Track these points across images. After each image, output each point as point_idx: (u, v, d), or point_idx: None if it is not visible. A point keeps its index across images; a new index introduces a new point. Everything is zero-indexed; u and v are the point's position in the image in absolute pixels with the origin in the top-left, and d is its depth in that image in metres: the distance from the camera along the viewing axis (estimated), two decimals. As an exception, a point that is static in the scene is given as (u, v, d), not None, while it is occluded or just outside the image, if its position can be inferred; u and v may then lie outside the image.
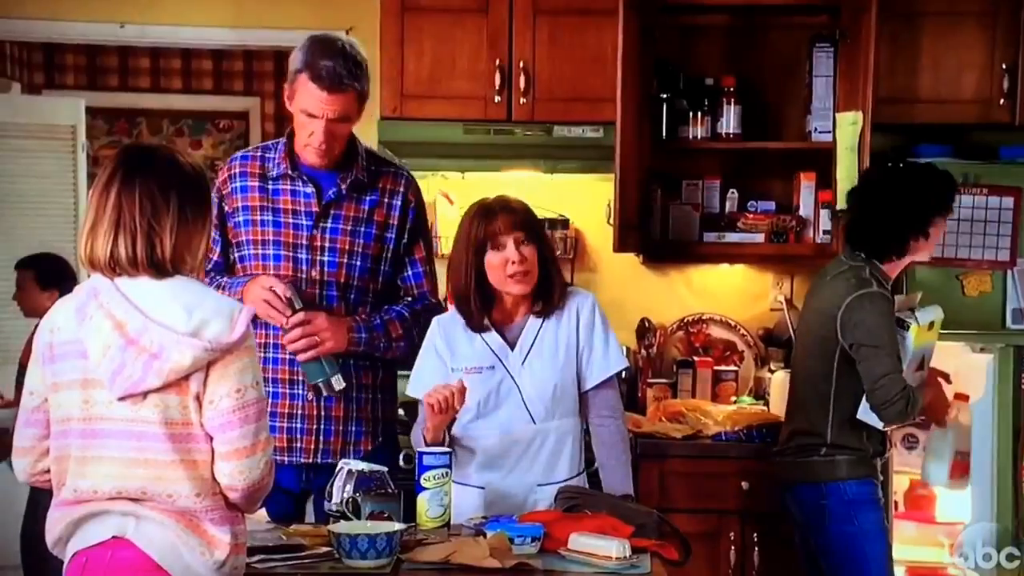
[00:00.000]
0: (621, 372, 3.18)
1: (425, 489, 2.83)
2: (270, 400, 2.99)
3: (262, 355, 3.05)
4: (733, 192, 4.43)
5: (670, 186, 4.42)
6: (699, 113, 4.30)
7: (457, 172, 4.50)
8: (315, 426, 3.12)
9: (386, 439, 3.25)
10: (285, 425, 3.11)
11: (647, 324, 4.49)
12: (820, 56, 4.27)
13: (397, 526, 2.61)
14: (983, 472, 3.82)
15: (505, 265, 2.95)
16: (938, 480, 3.73)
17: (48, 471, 2.31)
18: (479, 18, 4.22)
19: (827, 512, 3.42)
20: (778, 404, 4.10)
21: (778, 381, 4.17)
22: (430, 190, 4.56)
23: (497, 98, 4.20)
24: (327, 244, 3.12)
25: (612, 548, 2.55)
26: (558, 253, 4.40)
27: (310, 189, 3.13)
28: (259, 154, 3.21)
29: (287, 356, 3.05)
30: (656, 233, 4.35)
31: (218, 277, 3.19)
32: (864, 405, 3.35)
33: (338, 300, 3.12)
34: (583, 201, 4.55)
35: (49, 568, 2.48)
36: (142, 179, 2.24)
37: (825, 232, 4.29)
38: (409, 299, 3.23)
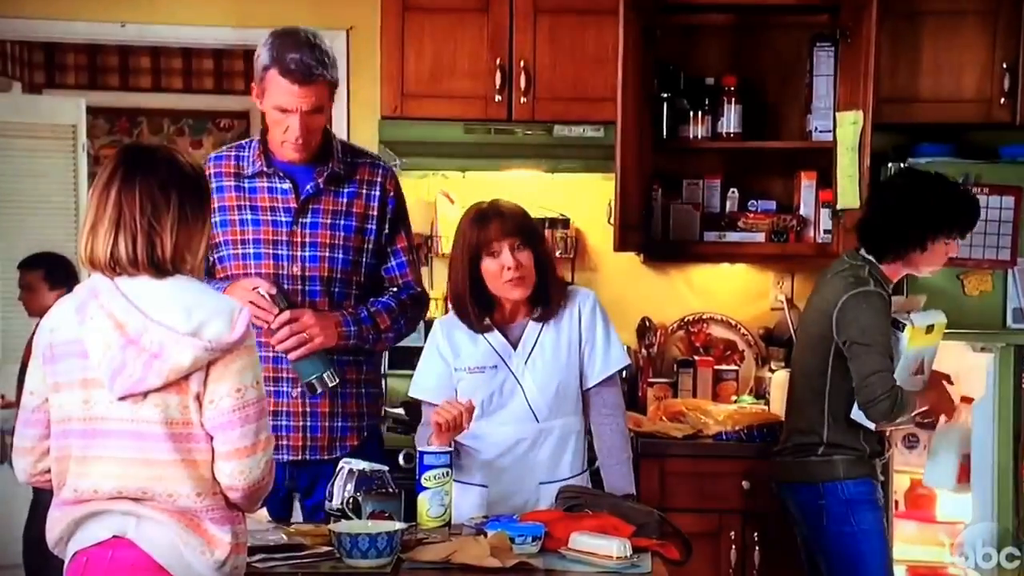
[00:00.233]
0: (622, 371, 3.18)
1: (426, 488, 2.83)
2: None
3: None
4: (734, 191, 4.43)
5: (671, 185, 4.42)
6: (700, 112, 4.30)
7: (458, 171, 4.49)
8: (301, 423, 3.12)
9: (371, 434, 3.26)
10: (271, 423, 3.10)
11: (648, 323, 4.49)
12: (821, 55, 4.27)
13: (398, 525, 2.62)
14: (984, 472, 3.82)
15: (501, 271, 2.96)
16: (944, 484, 3.72)
17: (49, 471, 2.30)
18: (480, 17, 4.22)
19: (824, 512, 3.43)
20: (779, 404, 4.11)
21: (779, 381, 4.17)
22: (431, 189, 4.57)
23: (498, 97, 4.20)
24: (307, 239, 3.11)
25: (613, 548, 2.55)
26: (558, 253, 4.43)
27: (287, 185, 3.12)
28: (233, 153, 3.20)
29: (271, 353, 3.02)
30: (657, 233, 4.36)
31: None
32: (856, 405, 3.36)
33: (321, 295, 3.11)
34: (584, 201, 4.55)
35: (51, 568, 2.48)
36: (142, 178, 2.24)
37: (826, 231, 4.29)
38: (394, 289, 3.22)
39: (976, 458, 3.82)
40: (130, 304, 2.20)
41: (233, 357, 2.22)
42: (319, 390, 3.03)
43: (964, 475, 3.65)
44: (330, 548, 2.57)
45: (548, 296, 3.03)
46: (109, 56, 7.22)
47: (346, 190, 3.16)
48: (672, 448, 3.94)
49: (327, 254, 3.12)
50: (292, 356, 2.99)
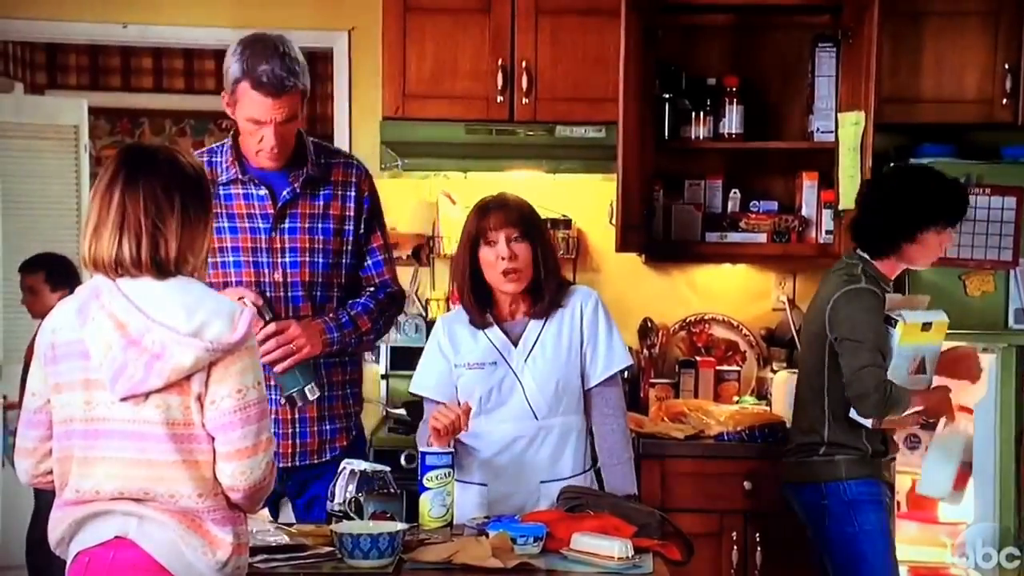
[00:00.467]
0: (624, 371, 3.18)
1: (428, 489, 2.83)
2: None
3: None
4: (735, 192, 4.43)
5: (672, 186, 4.42)
6: (701, 113, 4.30)
7: (459, 172, 4.49)
8: (290, 429, 3.10)
9: (358, 433, 3.26)
10: None
11: (649, 324, 4.49)
12: (822, 56, 4.27)
13: (399, 526, 2.62)
14: (985, 472, 3.82)
15: (497, 261, 2.96)
16: (939, 492, 3.67)
17: (51, 472, 2.30)
18: (481, 18, 4.22)
19: (827, 512, 3.43)
20: (780, 404, 4.11)
21: (780, 381, 4.17)
22: (432, 190, 4.58)
23: (499, 98, 4.20)
24: (287, 245, 3.09)
25: (614, 548, 2.55)
26: (560, 254, 4.42)
27: (263, 192, 3.09)
28: (205, 159, 3.15)
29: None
30: (658, 233, 4.36)
31: None
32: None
33: (304, 300, 3.09)
34: (585, 201, 4.55)
35: (54, 569, 2.48)
36: (146, 179, 2.24)
37: (827, 232, 4.29)
38: (371, 289, 3.20)
39: (978, 458, 3.82)
40: (131, 305, 2.20)
41: (234, 358, 2.22)
42: (299, 403, 3.00)
43: (961, 483, 3.62)
44: (332, 549, 2.57)
45: (541, 294, 3.03)
46: (111, 57, 7.22)
47: (322, 192, 3.13)
48: (674, 449, 3.95)
49: (308, 259, 3.10)
50: (278, 368, 2.95)
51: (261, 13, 4.51)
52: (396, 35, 4.21)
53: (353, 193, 3.16)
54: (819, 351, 3.46)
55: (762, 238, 4.35)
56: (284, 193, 3.09)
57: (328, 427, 3.15)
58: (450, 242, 4.44)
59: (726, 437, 3.97)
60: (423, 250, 4.57)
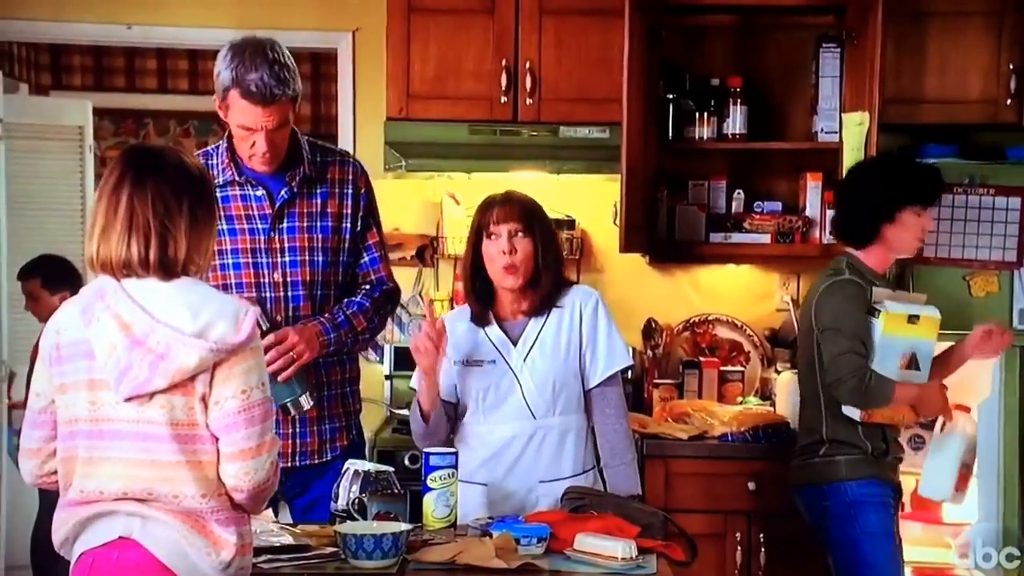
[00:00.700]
0: (627, 371, 3.18)
1: (431, 489, 2.83)
2: None
3: None
4: (739, 192, 4.43)
5: (676, 187, 4.42)
6: (705, 113, 4.30)
7: (463, 173, 4.50)
8: (290, 430, 3.09)
9: (359, 432, 3.26)
10: None
11: (653, 325, 4.49)
12: (826, 56, 4.27)
13: (403, 526, 2.62)
14: (989, 473, 3.82)
15: (497, 255, 2.97)
16: (941, 494, 3.63)
17: (55, 473, 2.31)
18: (485, 19, 4.22)
19: (829, 513, 3.44)
20: (784, 405, 4.10)
21: (784, 381, 4.17)
22: (436, 191, 4.58)
23: (503, 99, 4.20)
24: (286, 245, 3.09)
25: (618, 549, 2.55)
26: (564, 254, 4.41)
27: (260, 193, 3.09)
28: (201, 161, 3.15)
29: None
30: (662, 234, 4.36)
31: None
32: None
33: (304, 299, 3.09)
34: (589, 202, 4.55)
35: (59, 569, 2.48)
36: (154, 181, 2.24)
37: (831, 233, 4.28)
38: (367, 286, 3.20)
39: (981, 459, 3.82)
40: (136, 305, 2.21)
41: (239, 359, 2.22)
42: (293, 413, 3.00)
43: (962, 484, 3.59)
44: (335, 549, 2.57)
45: (538, 290, 3.03)
46: (115, 58, 7.23)
47: (319, 191, 3.13)
48: (677, 449, 3.94)
49: (307, 258, 3.10)
50: (281, 378, 2.94)
51: (265, 14, 4.52)
52: (400, 36, 4.21)
53: (350, 191, 3.17)
54: (810, 348, 3.49)
55: (766, 239, 4.35)
56: (282, 193, 3.09)
57: (328, 427, 3.15)
58: (454, 243, 4.44)
59: (730, 438, 3.96)
60: (427, 251, 4.57)
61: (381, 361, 4.53)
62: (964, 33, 4.18)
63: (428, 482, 2.83)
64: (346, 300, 3.15)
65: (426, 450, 2.89)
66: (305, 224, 3.11)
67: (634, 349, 4.42)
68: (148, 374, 2.17)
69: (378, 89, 4.34)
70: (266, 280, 3.08)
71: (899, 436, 3.58)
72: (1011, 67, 4.13)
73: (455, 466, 2.86)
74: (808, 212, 4.37)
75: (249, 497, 2.25)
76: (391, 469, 2.87)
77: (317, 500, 3.07)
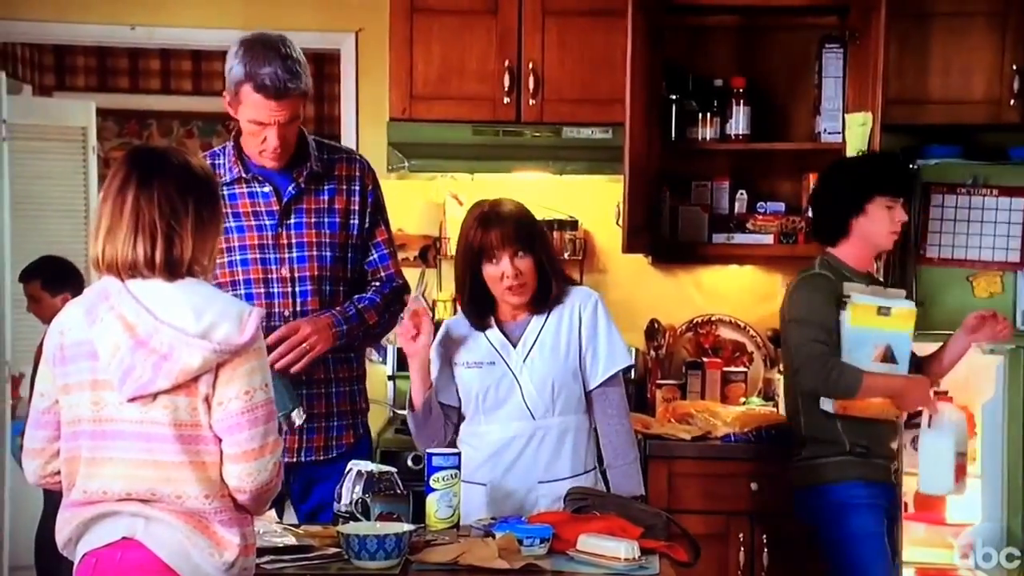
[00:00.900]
0: (628, 371, 3.18)
1: (434, 490, 2.83)
2: None
3: None
4: (742, 193, 4.43)
5: (679, 187, 4.42)
6: (708, 114, 4.30)
7: (466, 173, 4.50)
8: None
9: (365, 432, 3.27)
10: None
11: (656, 325, 4.49)
12: (829, 57, 4.27)
13: (406, 527, 2.62)
14: (993, 473, 3.81)
15: (501, 278, 2.97)
16: (942, 488, 3.58)
17: (58, 473, 2.31)
18: (488, 19, 4.22)
19: (818, 516, 3.46)
20: (787, 405, 4.10)
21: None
22: (439, 191, 4.58)
23: (506, 99, 4.21)
24: (294, 240, 3.11)
25: (621, 549, 2.55)
26: (567, 255, 4.44)
27: (267, 189, 3.11)
28: (208, 162, 3.11)
29: None
30: (665, 234, 4.36)
31: None
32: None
33: (312, 294, 3.11)
34: (592, 202, 4.55)
35: (62, 570, 2.49)
36: (160, 181, 2.25)
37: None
38: (377, 283, 3.22)
39: (986, 460, 3.81)
40: (140, 306, 2.21)
41: (242, 359, 2.22)
42: (285, 428, 2.97)
43: (961, 474, 3.51)
44: (338, 550, 2.58)
45: (547, 295, 3.04)
46: (119, 58, 7.23)
47: (326, 187, 3.15)
48: (680, 450, 3.94)
49: (315, 253, 3.12)
50: (294, 369, 2.97)
51: (268, 14, 4.52)
52: (403, 36, 4.22)
53: (357, 187, 3.18)
54: (786, 345, 3.54)
55: (769, 239, 4.35)
56: (289, 189, 3.11)
57: (335, 423, 3.16)
58: (457, 243, 4.43)
59: (733, 438, 3.96)
60: (430, 251, 4.57)
61: (384, 361, 4.53)
62: (967, 33, 4.17)
63: (431, 483, 2.83)
64: (357, 296, 3.16)
65: (429, 451, 2.89)
66: (312, 220, 3.12)
67: (637, 350, 4.43)
68: (152, 375, 2.18)
69: (381, 90, 4.35)
70: (274, 276, 3.10)
71: (890, 437, 3.53)
72: (1014, 67, 4.13)
73: (458, 467, 2.86)
74: (811, 213, 4.35)
75: (252, 498, 2.26)
76: (394, 470, 2.87)
77: (321, 508, 3.07)
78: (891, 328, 3.44)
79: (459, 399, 3.07)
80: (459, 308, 3.15)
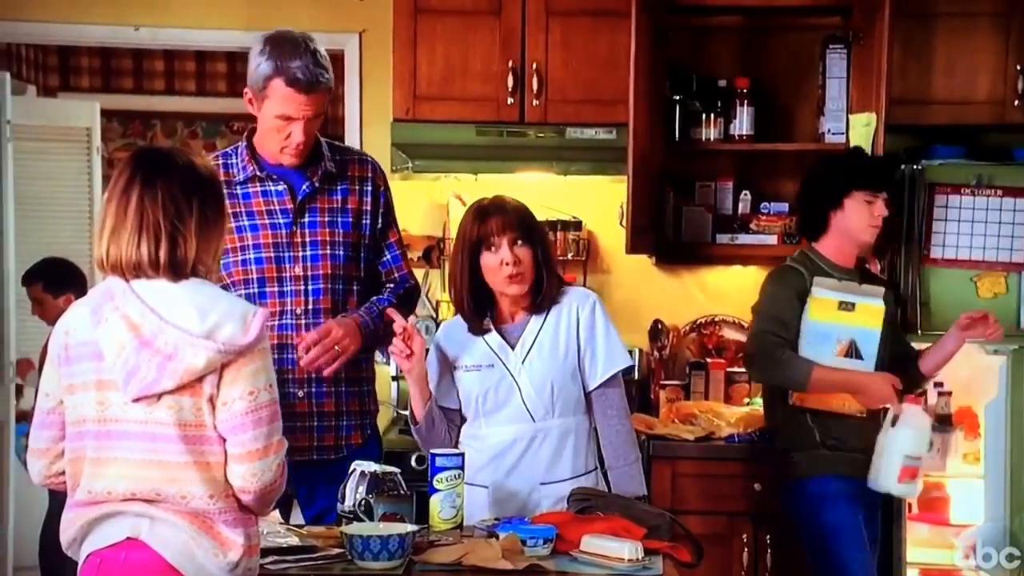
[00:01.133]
0: (628, 372, 3.18)
1: (438, 491, 2.83)
2: None
3: None
4: (746, 193, 4.43)
5: (683, 188, 4.42)
6: (712, 114, 4.30)
7: (470, 174, 4.50)
8: (307, 423, 3.11)
9: (373, 431, 3.28)
10: None
11: (660, 326, 4.49)
12: (833, 57, 4.27)
13: (409, 527, 2.62)
14: (996, 474, 3.81)
15: (500, 266, 2.97)
16: (884, 485, 3.45)
17: (63, 473, 2.31)
18: (492, 20, 4.22)
19: (795, 510, 3.51)
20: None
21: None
22: (443, 192, 4.58)
23: (510, 100, 4.21)
24: (308, 239, 3.12)
25: (624, 550, 2.56)
26: (571, 255, 4.44)
27: (282, 187, 3.13)
28: (220, 162, 3.18)
29: (275, 356, 3.02)
30: (669, 235, 4.36)
31: None
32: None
33: (324, 292, 3.12)
34: (596, 203, 4.55)
35: (67, 570, 2.49)
36: (164, 182, 2.25)
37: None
38: (391, 285, 3.25)
39: (989, 460, 3.82)
40: (145, 306, 2.21)
41: (247, 360, 2.23)
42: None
43: (907, 476, 3.40)
44: (342, 550, 2.58)
45: (542, 292, 3.04)
46: (123, 59, 7.24)
47: (340, 187, 3.18)
48: (684, 450, 3.95)
49: (328, 251, 3.13)
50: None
51: (272, 15, 4.51)
52: (407, 37, 4.22)
53: (370, 188, 3.21)
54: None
55: (773, 240, 4.35)
56: (303, 187, 3.13)
57: (345, 423, 3.17)
58: (460, 244, 4.44)
59: (736, 439, 3.96)
60: (434, 252, 4.58)
61: (388, 362, 4.53)
62: (971, 34, 4.17)
63: (434, 483, 2.84)
64: (375, 297, 3.18)
65: (432, 451, 2.89)
66: (326, 219, 3.14)
67: (640, 350, 4.43)
68: (156, 375, 2.18)
69: (385, 90, 4.35)
70: (288, 274, 3.11)
71: (865, 432, 3.47)
72: (1018, 68, 4.12)
73: (462, 467, 2.86)
74: (815, 213, 4.36)
75: (256, 498, 2.26)
76: (397, 470, 2.87)
77: (326, 513, 3.06)
78: (856, 324, 3.47)
79: (460, 402, 3.07)
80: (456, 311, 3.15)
